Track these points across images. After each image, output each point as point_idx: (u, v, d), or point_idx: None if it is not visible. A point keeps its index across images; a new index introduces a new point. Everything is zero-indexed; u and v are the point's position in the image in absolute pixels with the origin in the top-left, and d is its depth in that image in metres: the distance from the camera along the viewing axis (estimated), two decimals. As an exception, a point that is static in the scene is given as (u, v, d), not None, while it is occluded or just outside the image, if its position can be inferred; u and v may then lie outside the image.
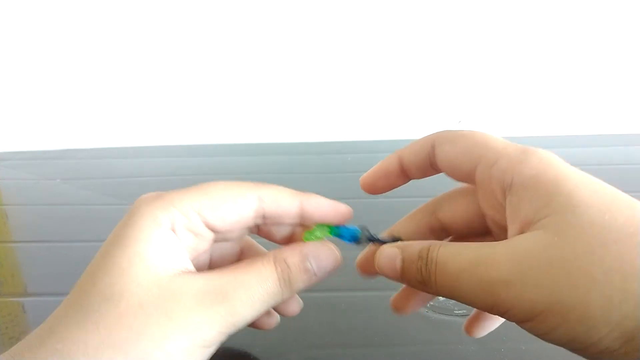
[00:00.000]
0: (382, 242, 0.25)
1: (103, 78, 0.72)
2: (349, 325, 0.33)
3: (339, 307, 0.35)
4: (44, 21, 0.69)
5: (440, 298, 0.35)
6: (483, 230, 0.26)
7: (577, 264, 0.18)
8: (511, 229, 0.22)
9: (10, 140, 0.73)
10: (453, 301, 0.34)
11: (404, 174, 0.27)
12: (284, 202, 0.25)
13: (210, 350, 0.22)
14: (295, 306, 0.29)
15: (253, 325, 0.29)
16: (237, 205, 0.24)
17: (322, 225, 0.26)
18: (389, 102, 0.73)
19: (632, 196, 0.20)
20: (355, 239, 0.26)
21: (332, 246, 0.26)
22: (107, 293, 0.21)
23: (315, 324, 0.33)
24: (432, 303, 0.35)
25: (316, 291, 0.36)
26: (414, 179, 0.27)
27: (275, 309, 0.29)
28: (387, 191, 0.28)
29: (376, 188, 0.28)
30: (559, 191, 0.20)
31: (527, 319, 0.19)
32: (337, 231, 0.26)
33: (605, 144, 0.66)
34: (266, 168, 0.62)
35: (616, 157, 0.61)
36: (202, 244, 0.25)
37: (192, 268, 0.24)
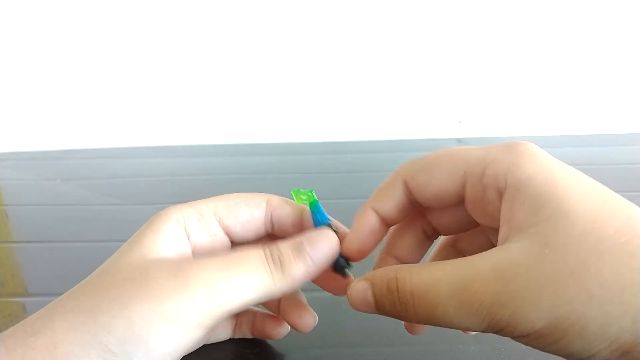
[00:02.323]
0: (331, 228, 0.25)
1: (103, 78, 0.72)
2: (350, 325, 0.33)
3: (340, 307, 0.35)
4: (44, 21, 0.69)
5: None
6: (458, 210, 0.24)
7: (573, 278, 0.17)
8: (503, 232, 0.20)
9: (10, 140, 0.73)
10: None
11: (385, 225, 0.25)
12: (290, 207, 0.27)
13: (188, 333, 0.21)
14: (308, 318, 0.27)
15: (260, 334, 0.30)
16: (249, 205, 0.26)
17: (310, 194, 0.26)
18: (389, 102, 0.73)
19: (632, 196, 0.20)
20: (319, 223, 0.26)
21: (330, 232, 0.25)
22: (105, 271, 0.23)
23: (316, 324, 0.33)
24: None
25: (317, 291, 0.36)
26: (395, 224, 0.26)
27: (289, 322, 0.28)
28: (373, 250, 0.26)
29: (366, 251, 0.25)
30: (550, 197, 0.19)
31: (524, 335, 0.18)
32: (316, 207, 0.26)
33: (605, 144, 0.66)
34: (266, 168, 0.62)
35: (616, 157, 0.61)
36: (221, 247, 0.26)
37: (188, 255, 0.24)
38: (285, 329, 0.29)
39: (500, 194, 0.21)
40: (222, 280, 0.21)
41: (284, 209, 0.26)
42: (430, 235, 0.26)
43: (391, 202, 0.24)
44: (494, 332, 0.19)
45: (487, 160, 0.21)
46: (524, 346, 0.31)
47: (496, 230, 0.21)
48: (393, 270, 0.21)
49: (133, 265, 0.22)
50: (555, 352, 0.18)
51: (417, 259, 0.27)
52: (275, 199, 0.27)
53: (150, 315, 0.20)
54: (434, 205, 0.24)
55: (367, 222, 0.25)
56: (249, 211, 0.26)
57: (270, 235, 0.27)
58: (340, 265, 0.25)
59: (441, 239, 0.28)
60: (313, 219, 0.26)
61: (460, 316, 0.19)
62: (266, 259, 0.23)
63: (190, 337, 0.21)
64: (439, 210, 0.25)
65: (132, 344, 0.20)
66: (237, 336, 0.31)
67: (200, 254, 0.25)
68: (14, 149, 0.71)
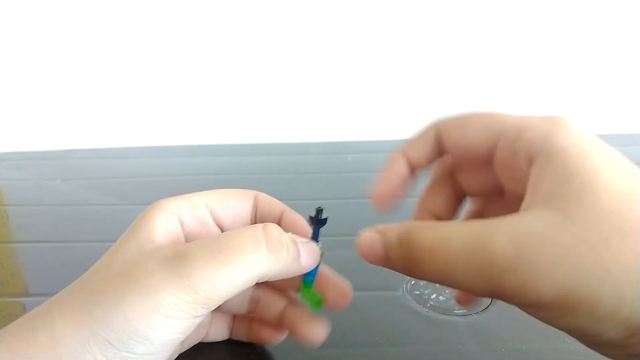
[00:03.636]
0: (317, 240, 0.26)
1: (103, 78, 0.72)
2: (350, 325, 0.33)
3: (340, 307, 0.35)
4: (44, 21, 0.69)
5: (441, 298, 0.35)
6: (485, 169, 0.24)
7: (591, 253, 0.17)
8: (527, 199, 0.20)
9: (10, 140, 0.73)
10: (454, 301, 0.34)
11: (412, 172, 0.26)
12: (273, 205, 0.28)
13: (183, 322, 0.21)
14: (320, 330, 0.27)
15: (256, 339, 0.30)
16: (239, 199, 0.27)
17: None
18: (389, 102, 0.73)
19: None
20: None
21: (315, 246, 0.26)
22: (102, 267, 0.23)
23: (315, 324, 0.33)
24: (432, 303, 0.35)
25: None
26: (422, 170, 0.26)
27: (296, 334, 0.27)
28: (401, 199, 0.26)
29: (392, 199, 0.25)
30: (581, 170, 0.18)
31: (531, 305, 0.18)
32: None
33: (605, 144, 0.66)
34: (266, 168, 0.62)
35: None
36: (210, 235, 0.26)
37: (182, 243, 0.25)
38: (282, 335, 0.29)
39: (531, 161, 0.20)
40: (208, 270, 0.21)
41: (269, 205, 0.28)
42: (459, 195, 0.27)
43: (422, 148, 0.25)
44: (498, 298, 0.19)
45: (523, 126, 0.21)
46: (523, 346, 0.31)
47: (521, 198, 0.21)
48: (407, 224, 0.21)
49: (128, 259, 0.22)
50: (561, 327, 0.18)
51: (449, 217, 0.27)
52: (262, 196, 0.28)
53: (144, 309, 0.20)
54: (464, 160, 0.24)
55: (397, 165, 0.26)
56: (239, 204, 0.27)
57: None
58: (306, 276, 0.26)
59: (468, 209, 0.28)
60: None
61: (469, 276, 0.18)
62: (259, 239, 0.22)
63: (187, 325, 0.21)
64: (468, 169, 0.25)
65: (131, 337, 0.20)
66: (234, 338, 0.31)
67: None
68: (14, 149, 0.71)
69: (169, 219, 0.25)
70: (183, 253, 0.21)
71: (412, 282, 0.37)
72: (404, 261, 0.20)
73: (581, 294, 0.17)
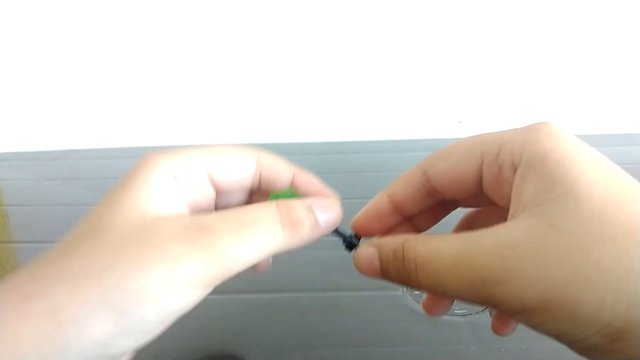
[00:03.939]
0: (343, 236, 0.25)
1: (103, 78, 0.72)
2: (350, 325, 0.33)
3: (340, 307, 0.35)
4: (44, 21, 0.69)
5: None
6: (478, 195, 0.24)
7: (571, 262, 0.17)
8: (512, 209, 0.20)
9: (10, 140, 0.73)
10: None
11: (397, 212, 0.25)
12: (279, 168, 0.26)
13: (198, 292, 0.20)
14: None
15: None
16: (239, 160, 0.25)
17: (292, 191, 0.25)
18: (389, 102, 0.73)
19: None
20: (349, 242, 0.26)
21: (335, 201, 0.24)
22: (95, 227, 0.21)
23: (316, 324, 0.33)
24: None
25: (317, 291, 0.36)
26: (409, 214, 0.26)
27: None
28: (384, 234, 0.26)
29: (370, 230, 0.26)
30: (563, 176, 0.18)
31: (517, 312, 0.18)
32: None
33: (605, 144, 0.66)
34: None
35: (616, 157, 0.61)
36: (205, 198, 0.25)
37: (185, 211, 0.23)
38: (268, 262, 0.28)
39: (515, 171, 0.21)
40: (234, 243, 0.20)
41: (274, 168, 0.26)
42: (434, 196, 0.26)
43: (406, 189, 0.25)
44: (488, 305, 0.19)
45: (504, 140, 0.21)
46: (523, 346, 0.31)
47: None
48: (401, 239, 0.21)
49: (132, 222, 0.21)
50: (546, 333, 0.18)
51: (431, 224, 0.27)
52: (266, 157, 0.26)
53: (165, 279, 0.19)
54: (453, 194, 0.24)
55: (379, 203, 0.25)
56: (239, 166, 0.25)
57: (254, 192, 0.27)
58: (350, 241, 0.25)
59: (460, 220, 0.28)
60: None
61: (459, 288, 0.19)
62: (280, 216, 0.22)
63: (200, 295, 0.21)
64: (461, 199, 0.25)
65: (147, 306, 0.19)
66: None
67: (191, 207, 0.24)
68: (15, 149, 0.71)
69: (167, 181, 0.23)
70: (206, 224, 0.21)
71: (412, 282, 0.37)
72: (400, 274, 0.21)
73: (561, 301, 0.17)
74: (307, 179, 0.26)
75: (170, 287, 0.19)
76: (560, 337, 0.18)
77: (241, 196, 0.27)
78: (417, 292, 0.36)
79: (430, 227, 0.27)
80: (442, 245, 0.20)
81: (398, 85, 0.72)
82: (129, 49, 0.71)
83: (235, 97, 0.73)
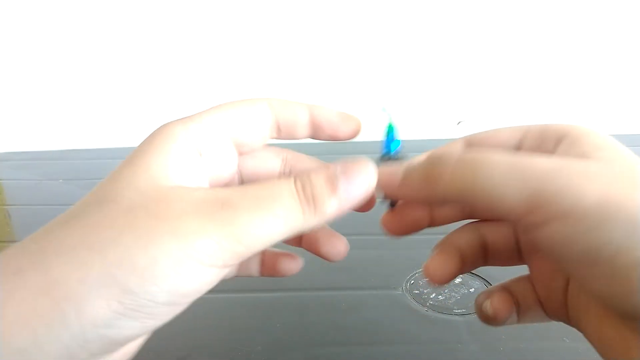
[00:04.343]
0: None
1: (105, 79, 0.73)
2: (350, 324, 0.33)
3: (340, 306, 0.35)
4: (45, 21, 0.70)
5: (440, 297, 0.35)
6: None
7: (627, 170, 0.18)
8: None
9: (13, 140, 0.74)
10: (453, 300, 0.35)
11: (432, 222, 0.25)
12: (293, 107, 0.24)
13: (214, 272, 0.19)
14: (341, 245, 0.25)
15: (270, 272, 0.27)
16: (254, 112, 0.23)
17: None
18: (389, 102, 0.73)
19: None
20: (385, 151, 0.25)
21: (370, 165, 0.22)
22: (102, 198, 0.19)
23: (316, 323, 0.33)
24: (431, 302, 0.35)
25: (318, 290, 0.36)
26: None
27: (318, 252, 0.25)
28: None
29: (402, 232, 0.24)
30: (608, 144, 0.20)
31: (566, 214, 0.17)
32: (390, 130, 0.25)
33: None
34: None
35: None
36: (229, 163, 0.23)
37: (206, 185, 0.22)
38: (299, 264, 0.26)
39: (558, 142, 0.21)
40: (253, 220, 0.19)
41: (288, 109, 0.24)
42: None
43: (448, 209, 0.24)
44: (527, 212, 0.18)
45: (546, 124, 0.22)
46: (522, 345, 0.31)
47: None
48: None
49: (145, 193, 0.19)
50: (587, 242, 0.17)
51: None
52: (276, 101, 0.24)
53: (178, 254, 0.17)
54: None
55: (416, 212, 0.25)
56: (256, 119, 0.23)
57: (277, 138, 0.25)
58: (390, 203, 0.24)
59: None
60: (384, 143, 0.25)
61: (505, 181, 0.18)
62: (297, 193, 0.20)
63: (217, 275, 0.19)
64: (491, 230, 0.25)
65: (156, 284, 0.17)
66: (243, 275, 0.27)
67: (214, 179, 0.23)
68: (17, 149, 0.71)
69: (185, 150, 0.21)
70: (224, 198, 0.19)
71: (412, 281, 0.37)
72: (427, 177, 0.20)
73: (621, 199, 0.17)
74: (326, 113, 0.25)
75: (184, 263, 0.17)
76: (599, 249, 0.17)
77: (266, 153, 0.25)
78: (416, 292, 0.36)
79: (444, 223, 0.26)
80: (493, 151, 0.19)
81: (398, 86, 0.72)
82: (130, 50, 0.71)
83: (235, 97, 0.73)
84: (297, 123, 0.24)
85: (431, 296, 0.35)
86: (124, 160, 0.21)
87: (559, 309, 0.22)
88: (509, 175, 0.18)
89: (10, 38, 0.70)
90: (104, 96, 0.74)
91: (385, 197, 0.23)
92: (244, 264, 0.26)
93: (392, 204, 0.24)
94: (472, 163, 0.19)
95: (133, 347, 0.19)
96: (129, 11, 0.69)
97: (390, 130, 0.25)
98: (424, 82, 0.72)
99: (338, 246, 0.25)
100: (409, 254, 0.41)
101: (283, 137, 0.25)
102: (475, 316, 0.33)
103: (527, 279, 0.24)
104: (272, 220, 0.19)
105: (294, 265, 0.26)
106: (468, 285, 0.36)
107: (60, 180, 0.60)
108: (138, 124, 0.74)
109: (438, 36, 0.70)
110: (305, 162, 0.25)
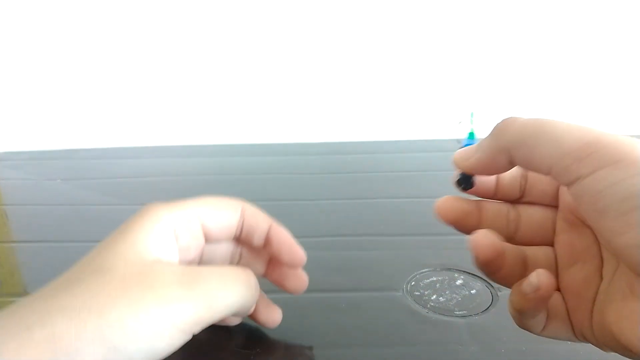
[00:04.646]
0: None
1: (103, 78, 0.73)
2: (350, 325, 0.33)
3: (340, 307, 0.35)
4: (44, 21, 0.69)
5: (441, 299, 0.35)
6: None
7: None
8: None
9: (10, 140, 0.73)
10: (454, 302, 0.34)
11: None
12: (259, 219, 0.29)
13: (182, 337, 0.22)
14: (276, 315, 0.31)
15: (258, 320, 0.31)
16: (228, 211, 0.29)
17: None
18: (389, 102, 0.73)
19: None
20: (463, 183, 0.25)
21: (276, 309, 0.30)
22: (97, 267, 0.23)
23: (316, 324, 0.33)
24: (432, 304, 0.35)
25: (317, 291, 0.36)
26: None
27: (258, 320, 0.31)
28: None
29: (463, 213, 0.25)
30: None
31: (615, 161, 0.18)
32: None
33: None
34: (266, 168, 0.62)
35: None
36: (197, 246, 0.28)
37: (177, 261, 0.26)
38: (278, 314, 0.31)
39: None
40: (220, 291, 0.24)
41: (255, 219, 0.29)
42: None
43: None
44: (582, 156, 0.19)
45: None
46: (523, 347, 0.31)
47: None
48: None
49: (133, 265, 0.23)
50: (632, 187, 0.18)
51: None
52: (249, 209, 0.29)
53: (160, 318, 0.21)
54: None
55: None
56: (228, 217, 0.29)
57: (236, 238, 0.30)
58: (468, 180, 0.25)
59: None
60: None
61: (568, 130, 0.19)
62: (250, 278, 0.26)
63: (182, 340, 0.23)
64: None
65: (138, 344, 0.21)
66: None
67: (184, 256, 0.27)
68: (15, 148, 0.71)
69: (166, 232, 0.25)
70: (197, 274, 0.24)
71: (412, 283, 0.37)
72: (498, 129, 0.22)
73: None
74: (281, 233, 0.29)
75: (163, 327, 0.21)
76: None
77: (226, 244, 0.30)
78: (417, 293, 0.36)
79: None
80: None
81: (398, 86, 0.72)
82: (130, 50, 0.71)
83: (236, 97, 0.73)
84: (256, 231, 0.29)
85: (432, 298, 0.35)
86: (115, 231, 0.25)
87: (585, 321, 0.22)
88: (571, 127, 0.20)
89: (10, 38, 0.70)
90: (103, 96, 0.73)
91: (461, 176, 0.25)
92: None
93: (468, 186, 0.25)
94: (537, 119, 0.21)
95: None
96: (128, 11, 0.69)
97: (470, 137, 0.26)
98: (424, 83, 0.72)
99: (299, 282, 0.31)
100: (410, 255, 0.40)
101: (242, 239, 0.30)
102: (476, 318, 0.33)
103: (557, 288, 0.24)
104: (233, 293, 0.24)
105: (274, 315, 0.31)
106: (469, 287, 0.36)
107: (59, 180, 0.59)
108: (136, 124, 0.74)
109: (438, 36, 0.70)
110: (258, 219, 0.29)
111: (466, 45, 0.70)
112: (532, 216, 0.25)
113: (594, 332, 0.22)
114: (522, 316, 0.23)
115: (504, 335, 0.31)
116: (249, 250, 0.31)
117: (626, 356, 0.20)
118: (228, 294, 0.24)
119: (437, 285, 0.37)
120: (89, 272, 0.23)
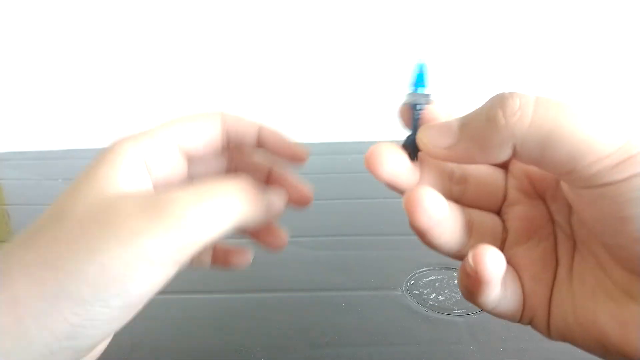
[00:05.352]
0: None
1: (105, 78, 0.73)
2: (350, 325, 0.33)
3: (340, 306, 0.35)
4: (45, 21, 0.70)
5: (440, 297, 0.35)
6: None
7: None
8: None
9: (12, 140, 0.74)
10: (453, 301, 0.35)
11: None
12: (243, 124, 0.26)
13: (163, 270, 0.19)
14: (282, 238, 0.27)
15: (222, 263, 0.27)
16: (206, 122, 0.25)
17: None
18: (389, 103, 0.73)
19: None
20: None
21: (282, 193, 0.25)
22: (57, 213, 0.20)
23: (316, 323, 0.33)
24: (431, 303, 0.35)
25: (317, 290, 0.36)
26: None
27: (261, 242, 0.27)
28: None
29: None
30: None
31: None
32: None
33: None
34: (267, 168, 0.62)
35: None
36: (178, 172, 0.24)
37: (152, 191, 0.22)
38: (248, 258, 0.28)
39: None
40: (196, 213, 0.20)
41: (240, 123, 0.26)
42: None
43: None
44: (617, 161, 0.17)
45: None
46: (522, 346, 0.31)
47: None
48: None
49: (93, 205, 0.20)
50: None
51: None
52: (229, 116, 0.26)
53: (126, 256, 0.18)
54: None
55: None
56: (207, 129, 0.25)
57: (226, 150, 0.27)
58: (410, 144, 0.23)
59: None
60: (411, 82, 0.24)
61: (601, 123, 0.17)
62: (237, 190, 0.21)
63: (167, 274, 0.19)
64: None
65: (107, 290, 0.18)
66: (194, 265, 0.27)
67: (163, 186, 0.23)
68: (16, 148, 0.71)
69: (134, 163, 0.22)
70: (166, 198, 0.20)
71: (412, 281, 0.37)
72: (493, 119, 0.19)
73: None
74: (273, 134, 0.26)
75: (132, 265, 0.18)
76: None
77: (214, 161, 0.27)
78: (416, 292, 0.36)
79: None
80: None
81: (398, 86, 0.72)
82: (130, 50, 0.71)
83: (236, 98, 0.73)
84: (244, 139, 0.26)
85: (431, 296, 0.35)
86: (78, 175, 0.22)
87: (541, 307, 0.21)
88: (603, 119, 0.17)
89: (10, 38, 0.70)
90: (103, 96, 0.74)
91: (410, 142, 0.23)
92: (195, 258, 0.26)
93: (414, 157, 0.23)
94: (557, 103, 0.17)
95: (99, 348, 0.21)
96: (128, 11, 0.69)
97: (419, 81, 0.23)
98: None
99: (280, 238, 0.27)
100: (409, 254, 0.41)
101: (233, 150, 0.27)
102: (475, 317, 0.33)
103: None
104: (214, 212, 0.20)
105: (244, 258, 0.27)
106: (468, 286, 0.36)
107: (60, 180, 0.60)
108: (137, 124, 0.74)
109: (437, 36, 0.70)
110: (242, 124, 0.26)
111: (466, 46, 0.70)
112: (479, 178, 0.23)
113: (558, 323, 0.21)
114: (470, 294, 0.20)
115: (503, 334, 0.32)
116: (245, 164, 0.28)
117: (609, 359, 0.19)
118: (208, 213, 0.20)
119: (437, 284, 0.37)
120: (47, 221, 0.20)
